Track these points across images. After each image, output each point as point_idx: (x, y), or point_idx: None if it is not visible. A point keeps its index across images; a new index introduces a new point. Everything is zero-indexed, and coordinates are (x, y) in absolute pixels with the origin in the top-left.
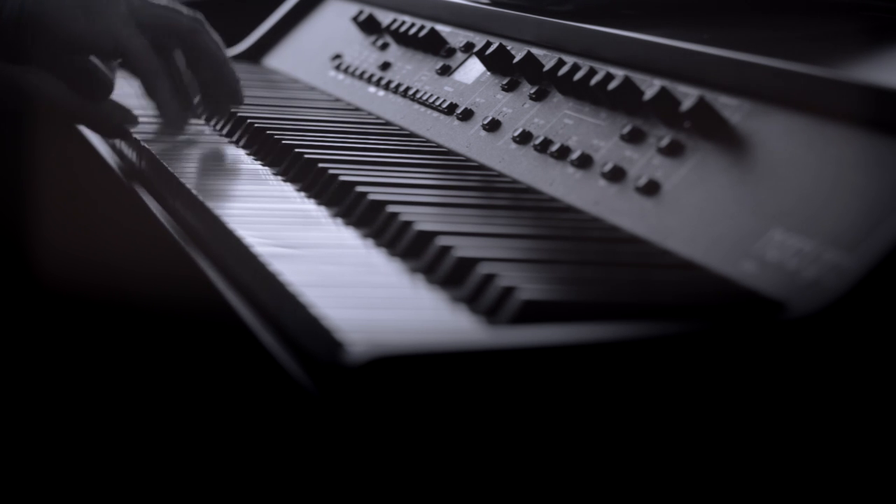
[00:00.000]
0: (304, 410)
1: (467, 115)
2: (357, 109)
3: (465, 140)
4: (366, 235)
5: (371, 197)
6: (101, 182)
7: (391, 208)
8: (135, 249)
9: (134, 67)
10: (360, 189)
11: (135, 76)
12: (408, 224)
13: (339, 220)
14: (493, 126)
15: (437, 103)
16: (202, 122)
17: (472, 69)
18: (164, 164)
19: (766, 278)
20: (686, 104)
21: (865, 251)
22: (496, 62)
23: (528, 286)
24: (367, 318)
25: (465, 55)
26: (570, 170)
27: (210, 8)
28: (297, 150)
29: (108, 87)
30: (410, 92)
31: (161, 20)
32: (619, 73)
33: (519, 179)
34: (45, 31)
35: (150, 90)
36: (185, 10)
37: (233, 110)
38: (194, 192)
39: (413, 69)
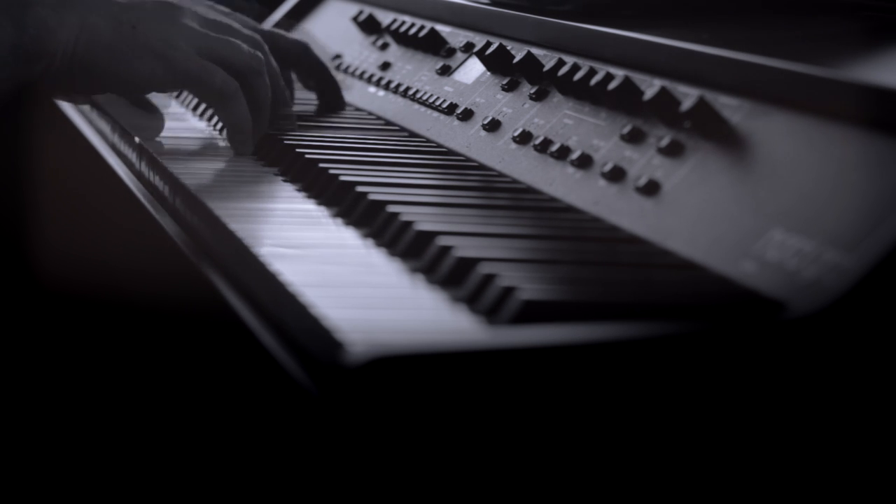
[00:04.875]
0: (304, 410)
1: (467, 115)
2: (357, 109)
3: (465, 140)
4: (366, 235)
5: (371, 197)
6: (101, 181)
7: (391, 208)
8: (134, 249)
9: (199, 94)
10: (360, 189)
11: (205, 102)
12: (408, 224)
13: (339, 220)
14: (493, 126)
15: (437, 103)
16: (202, 122)
17: (472, 69)
18: (164, 163)
19: (766, 278)
20: (686, 104)
21: (865, 251)
22: (496, 62)
23: (528, 286)
24: (367, 318)
25: (465, 55)
26: (570, 170)
27: None
28: (297, 149)
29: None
30: (410, 92)
31: (217, 53)
32: (619, 73)
33: (519, 179)
34: (98, 74)
35: (220, 114)
36: (245, 45)
37: None
38: (194, 192)
39: (413, 69)
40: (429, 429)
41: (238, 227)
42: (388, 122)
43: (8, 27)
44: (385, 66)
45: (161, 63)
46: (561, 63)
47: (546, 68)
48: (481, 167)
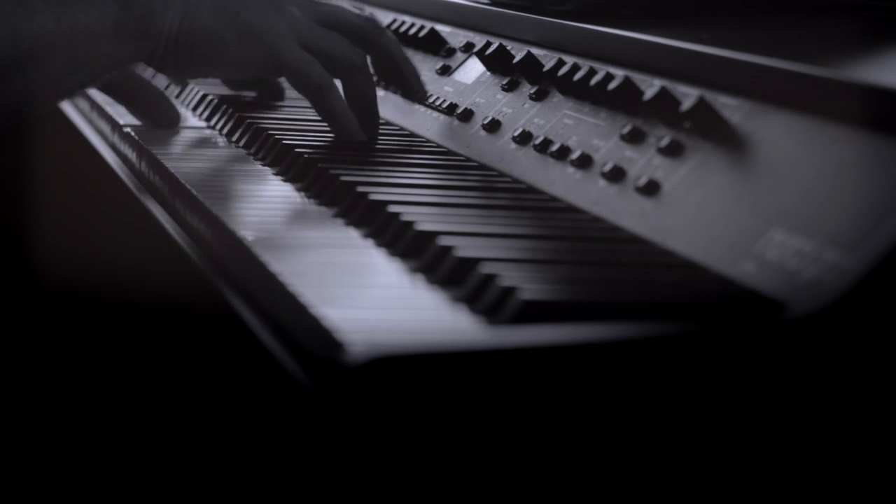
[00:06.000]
0: (303, 410)
1: (467, 115)
2: None
3: (465, 140)
4: (366, 235)
5: (371, 197)
6: (101, 181)
7: (392, 208)
8: (134, 249)
9: (295, 84)
10: (360, 189)
11: (301, 93)
12: (408, 224)
13: (339, 220)
14: (493, 126)
15: (437, 103)
16: (201, 121)
17: (472, 69)
18: (164, 163)
19: (766, 278)
20: (686, 104)
21: (865, 251)
22: (496, 62)
23: (528, 286)
24: (367, 317)
25: (465, 55)
26: (570, 170)
27: None
28: (297, 149)
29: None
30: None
31: (320, 46)
32: (619, 73)
33: (519, 179)
34: (198, 57)
35: (316, 106)
36: (346, 44)
37: (231, 111)
38: (194, 191)
39: None
40: (428, 429)
41: (238, 227)
42: (388, 122)
43: (113, 4)
44: None
45: (261, 49)
46: (561, 63)
47: (546, 68)
48: (481, 167)
